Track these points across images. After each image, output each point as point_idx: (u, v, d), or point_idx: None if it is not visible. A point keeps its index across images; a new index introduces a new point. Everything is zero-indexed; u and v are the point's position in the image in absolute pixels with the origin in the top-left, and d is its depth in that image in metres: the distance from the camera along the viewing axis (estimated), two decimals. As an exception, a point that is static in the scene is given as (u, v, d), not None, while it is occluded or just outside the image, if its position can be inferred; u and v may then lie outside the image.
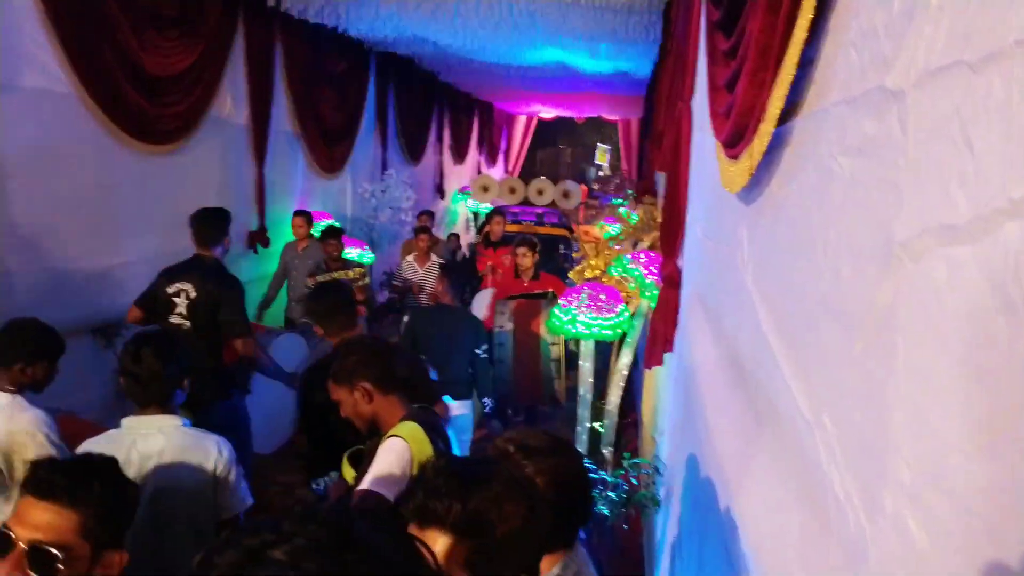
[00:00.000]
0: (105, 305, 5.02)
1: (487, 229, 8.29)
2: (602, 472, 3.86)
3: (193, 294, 4.17)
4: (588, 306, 4.58)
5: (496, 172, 17.50)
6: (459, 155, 14.91)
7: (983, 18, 0.80)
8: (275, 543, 0.68)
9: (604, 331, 4.56)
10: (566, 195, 12.73)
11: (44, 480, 1.66)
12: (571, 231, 10.38)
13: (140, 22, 5.19)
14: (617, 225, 7.64)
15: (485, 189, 12.98)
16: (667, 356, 3.66)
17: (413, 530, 1.19)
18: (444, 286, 4.92)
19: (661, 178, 6.52)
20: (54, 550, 1.57)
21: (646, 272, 4.60)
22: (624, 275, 4.93)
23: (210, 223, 4.32)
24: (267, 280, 7.24)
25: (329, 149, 8.67)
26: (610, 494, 3.64)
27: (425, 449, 2.48)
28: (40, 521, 1.60)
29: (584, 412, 4.91)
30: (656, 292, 4.26)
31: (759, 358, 1.77)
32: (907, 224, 0.95)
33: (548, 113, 17.59)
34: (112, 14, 4.92)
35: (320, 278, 6.68)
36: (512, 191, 12.69)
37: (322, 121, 8.42)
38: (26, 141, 4.42)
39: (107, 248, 5.16)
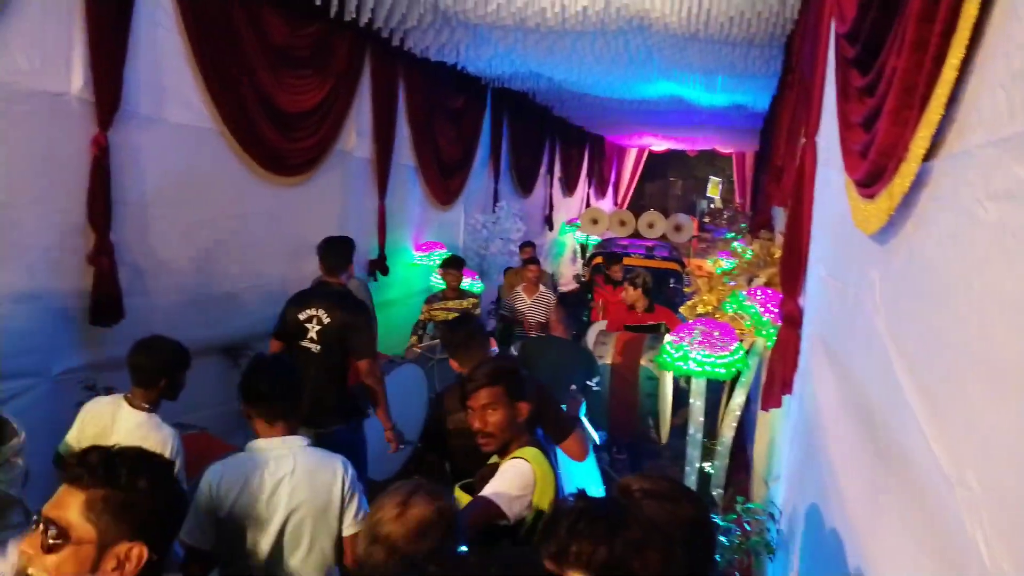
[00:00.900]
0: (234, 326, 5.31)
1: (596, 263, 8.29)
2: (713, 515, 3.75)
3: (326, 319, 4.34)
4: (701, 343, 4.49)
5: (605, 204, 17.49)
6: (568, 187, 15.00)
7: None
8: None
9: (717, 369, 4.45)
10: (678, 228, 12.56)
11: (70, 463, 1.66)
12: (683, 265, 10.22)
13: (275, 61, 5.53)
14: (731, 260, 7.47)
15: (595, 222, 12.98)
16: (785, 398, 3.53)
17: (551, 567, 1.21)
18: (558, 317, 4.93)
19: (778, 213, 6.35)
20: (51, 525, 1.53)
21: (763, 310, 4.47)
22: (739, 312, 4.80)
23: (337, 251, 4.51)
24: (387, 308, 7.47)
25: (445, 181, 8.92)
26: (722, 539, 3.53)
27: (548, 476, 2.48)
28: (56, 499, 1.60)
29: (694, 452, 4.78)
30: (774, 331, 4.13)
31: (890, 406, 1.69)
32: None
33: (660, 146, 17.46)
34: (250, 54, 5.26)
35: (436, 306, 6.84)
36: (622, 224, 12.64)
37: (439, 154, 8.67)
38: (169, 172, 4.76)
39: (238, 273, 5.47)
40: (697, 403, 4.78)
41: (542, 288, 7.54)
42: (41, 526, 1.53)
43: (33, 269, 3.91)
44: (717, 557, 3.43)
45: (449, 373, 4.50)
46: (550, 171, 13.77)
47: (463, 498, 2.64)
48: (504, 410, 2.51)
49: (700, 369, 4.47)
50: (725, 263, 7.91)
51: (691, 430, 4.81)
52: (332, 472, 2.60)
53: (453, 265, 6.94)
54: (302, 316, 4.37)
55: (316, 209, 6.30)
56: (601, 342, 5.95)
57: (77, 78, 4.01)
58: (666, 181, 19.53)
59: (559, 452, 4.43)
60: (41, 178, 3.91)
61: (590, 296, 8.13)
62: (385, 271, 7.46)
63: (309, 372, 4.07)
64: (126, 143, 4.36)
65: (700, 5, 5.30)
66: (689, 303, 5.79)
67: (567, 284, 13.96)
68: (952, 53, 1.18)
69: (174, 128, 4.77)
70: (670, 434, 6.32)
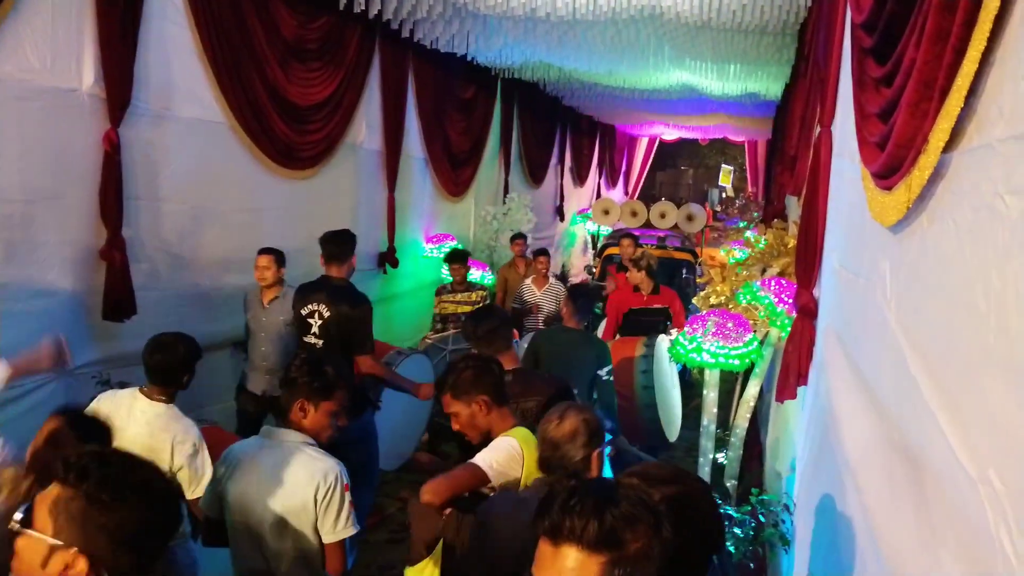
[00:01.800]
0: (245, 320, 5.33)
1: (609, 252, 8.26)
2: (728, 507, 3.74)
3: (326, 314, 4.35)
4: (715, 334, 4.46)
5: (615, 194, 17.42)
6: (579, 178, 14.95)
7: None
8: None
9: (731, 360, 4.43)
10: (690, 218, 12.48)
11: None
12: (695, 255, 10.16)
13: (285, 55, 5.53)
14: (744, 250, 7.42)
15: (606, 212, 12.93)
16: (800, 390, 3.51)
17: (546, 546, 1.27)
18: (570, 309, 4.92)
19: (792, 202, 6.30)
20: (26, 512, 1.52)
21: (777, 300, 4.44)
22: (753, 302, 4.77)
23: (337, 244, 4.50)
24: (397, 300, 7.47)
25: (455, 173, 8.91)
26: (736, 530, 3.52)
27: (535, 453, 2.54)
28: (47, 489, 1.57)
29: (708, 443, 4.77)
30: (788, 322, 4.11)
31: (905, 402, 1.67)
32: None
33: (671, 135, 17.36)
34: (260, 48, 5.26)
35: (445, 299, 6.84)
36: (634, 214, 12.58)
37: (449, 146, 8.66)
38: (180, 167, 4.78)
39: (250, 266, 5.47)
40: (711, 395, 4.76)
41: (552, 279, 7.52)
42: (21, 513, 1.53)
43: (46, 265, 3.93)
44: (731, 547, 3.42)
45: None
46: (560, 161, 13.73)
47: None
48: (462, 409, 2.70)
49: (714, 360, 4.45)
50: (738, 253, 7.86)
51: (705, 421, 4.80)
52: (309, 475, 2.52)
53: (456, 259, 6.93)
54: (304, 311, 4.39)
55: (327, 202, 6.31)
56: None
57: (88, 74, 4.02)
58: (677, 170, 19.41)
59: None
60: (53, 174, 3.93)
61: (603, 289, 8.09)
62: (395, 263, 7.46)
63: None
64: (137, 139, 4.37)
65: (711, -7, 5.26)
66: (702, 293, 5.76)
67: (578, 275, 13.93)
68: (973, 45, 1.16)
69: (185, 123, 4.78)
70: (683, 426, 6.31)
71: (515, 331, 3.66)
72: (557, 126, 13.01)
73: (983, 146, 1.29)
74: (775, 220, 6.77)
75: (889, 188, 1.69)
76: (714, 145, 18.90)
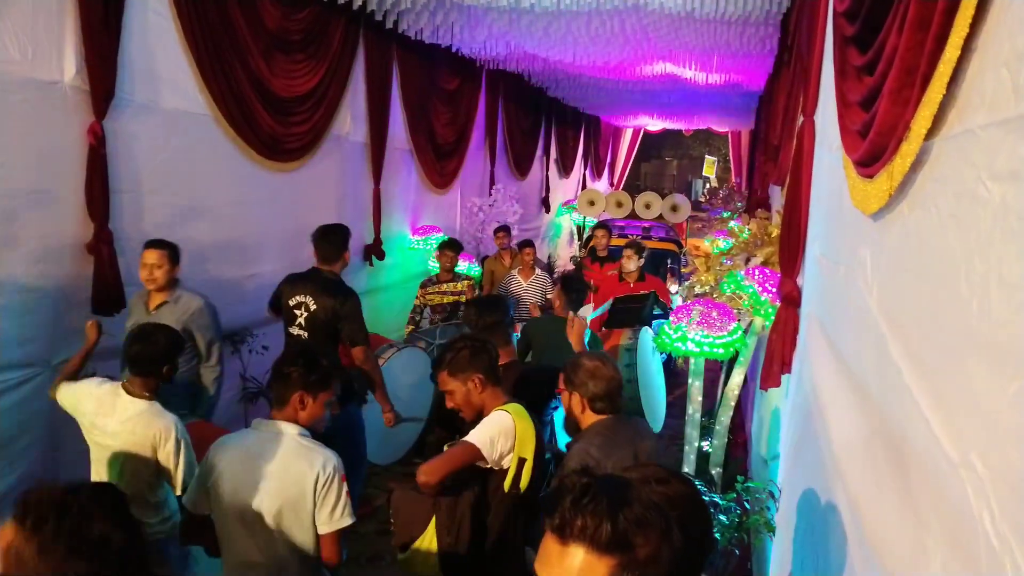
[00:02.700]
0: (233, 313, 5.31)
1: (592, 244, 8.29)
2: (713, 494, 3.78)
3: (312, 307, 4.35)
4: (699, 323, 4.49)
5: (601, 185, 17.45)
6: (565, 169, 14.96)
7: None
8: None
9: (716, 349, 4.46)
10: (674, 209, 12.54)
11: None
12: (680, 245, 10.22)
13: (269, 46, 5.49)
14: (729, 240, 7.47)
15: (592, 203, 12.95)
16: (784, 377, 3.55)
17: (553, 543, 1.23)
18: (562, 299, 4.94)
19: (776, 191, 6.34)
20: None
21: (761, 289, 4.47)
22: (737, 291, 4.81)
23: (330, 240, 4.49)
24: (382, 292, 7.44)
25: (440, 164, 8.89)
26: (721, 517, 3.56)
27: (528, 428, 2.71)
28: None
29: (693, 432, 4.81)
30: (772, 310, 4.14)
31: (888, 387, 1.69)
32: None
33: (655, 126, 17.40)
34: (243, 39, 5.22)
35: (431, 290, 6.84)
36: (619, 205, 12.62)
37: (434, 137, 8.64)
38: (165, 159, 4.74)
39: (236, 260, 5.46)
40: (696, 383, 4.80)
41: (538, 271, 7.54)
42: None
43: (33, 259, 3.90)
44: (716, 534, 3.46)
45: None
46: (546, 152, 13.73)
47: None
48: (458, 387, 2.82)
49: (699, 349, 4.48)
50: (722, 243, 7.90)
51: (690, 410, 4.83)
52: (309, 464, 2.53)
53: (450, 247, 6.95)
54: (291, 302, 4.39)
55: (312, 194, 6.29)
56: None
57: (70, 66, 3.98)
58: (662, 161, 19.48)
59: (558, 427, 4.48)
60: (38, 168, 3.89)
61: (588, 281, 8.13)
62: (381, 256, 7.45)
63: None
64: (122, 131, 4.34)
65: (695, -16, 5.27)
66: (687, 283, 5.80)
67: (564, 266, 13.94)
68: (955, 32, 1.18)
69: (169, 115, 4.74)
70: (667, 414, 6.35)
71: (517, 326, 3.69)
72: (542, 117, 13.01)
73: (965, 132, 1.30)
74: (759, 210, 6.81)
75: (871, 176, 1.71)
76: (698, 136, 18.96)
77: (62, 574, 1.45)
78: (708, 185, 17.22)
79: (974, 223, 1.23)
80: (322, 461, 2.54)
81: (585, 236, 12.01)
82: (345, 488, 2.58)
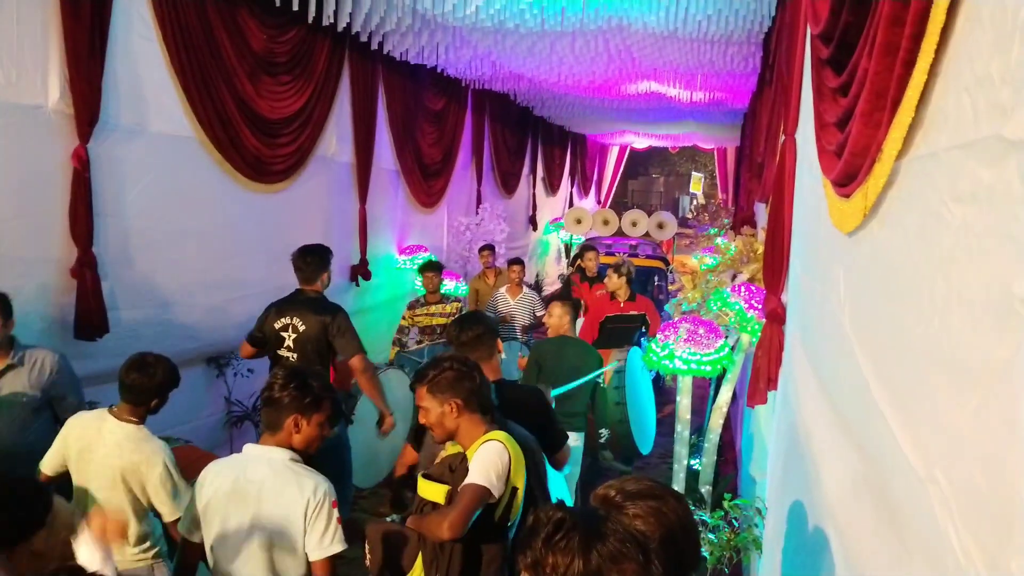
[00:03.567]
0: (219, 336, 5.29)
1: (580, 264, 8.29)
2: (701, 512, 3.78)
3: (301, 327, 4.34)
4: (687, 340, 4.51)
5: (587, 203, 17.53)
6: (551, 187, 15.03)
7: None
8: None
9: (703, 367, 4.48)
10: (661, 226, 12.61)
11: None
12: (667, 262, 10.26)
13: (255, 68, 5.51)
14: (715, 256, 7.51)
15: (579, 221, 13.01)
16: (771, 394, 3.56)
17: None
18: (569, 318, 4.94)
19: (761, 208, 6.39)
20: None
21: (747, 306, 4.50)
22: (724, 309, 4.83)
23: (307, 261, 4.48)
24: (368, 313, 7.42)
25: (427, 184, 8.91)
26: (710, 536, 3.55)
27: (519, 457, 2.65)
28: None
29: (682, 449, 4.81)
30: (758, 327, 4.16)
31: (860, 404, 1.71)
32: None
33: (641, 143, 17.54)
34: (229, 61, 5.24)
35: (419, 312, 6.83)
36: (606, 223, 12.67)
37: (421, 157, 8.67)
38: (150, 183, 4.73)
39: (222, 282, 5.44)
40: (684, 401, 4.81)
41: (526, 289, 7.53)
42: None
43: (15, 284, 3.87)
44: (705, 553, 3.46)
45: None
46: (532, 171, 13.80)
47: (427, 486, 2.69)
48: (434, 407, 2.71)
49: (686, 367, 4.50)
50: (709, 259, 7.94)
51: (679, 428, 4.84)
52: (299, 490, 2.50)
53: (430, 268, 6.91)
54: (278, 325, 4.38)
55: (299, 215, 6.29)
56: None
57: (54, 90, 3.98)
58: (649, 178, 19.63)
59: (573, 452, 4.47)
60: (21, 192, 3.88)
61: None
62: (367, 276, 7.44)
63: None
64: (107, 155, 4.33)
65: (678, 4, 5.33)
66: (675, 301, 5.82)
67: (552, 284, 13.98)
68: (921, 57, 1.20)
69: (155, 138, 4.74)
70: (657, 432, 6.35)
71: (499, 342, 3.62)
72: (528, 136, 13.09)
73: (929, 154, 1.33)
74: (744, 227, 6.87)
75: (847, 196, 1.74)
76: (684, 153, 19.13)
77: None
78: (695, 201, 17.35)
79: (937, 243, 1.25)
80: (312, 486, 2.51)
81: (572, 255, 12.04)
82: (336, 514, 2.55)
